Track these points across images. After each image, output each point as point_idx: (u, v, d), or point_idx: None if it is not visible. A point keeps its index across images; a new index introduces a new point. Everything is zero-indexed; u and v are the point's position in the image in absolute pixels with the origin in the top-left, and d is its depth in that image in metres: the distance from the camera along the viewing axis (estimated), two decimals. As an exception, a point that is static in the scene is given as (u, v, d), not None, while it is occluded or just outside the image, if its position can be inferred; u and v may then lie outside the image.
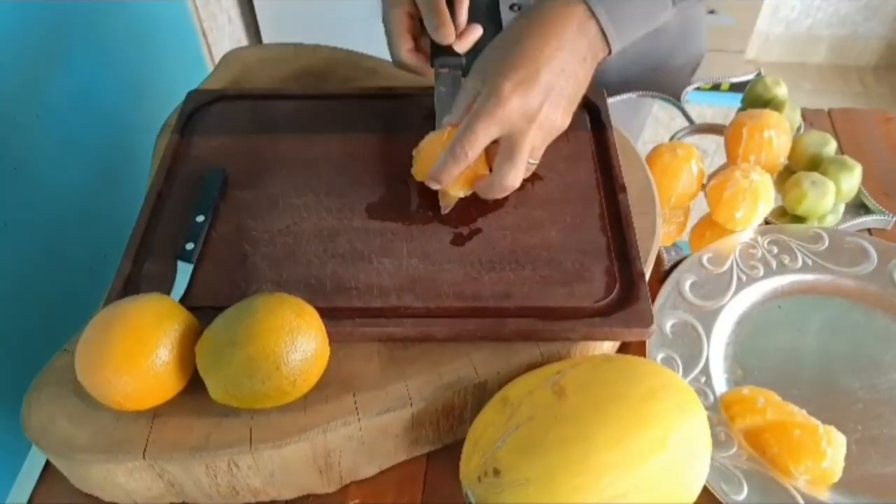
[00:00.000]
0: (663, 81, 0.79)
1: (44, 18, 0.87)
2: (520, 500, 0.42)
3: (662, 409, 0.43)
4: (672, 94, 0.78)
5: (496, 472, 0.42)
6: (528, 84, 0.50)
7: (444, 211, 0.57)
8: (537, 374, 0.47)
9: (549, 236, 0.55)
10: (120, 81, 1.06)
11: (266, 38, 1.67)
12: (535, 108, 0.51)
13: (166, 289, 0.52)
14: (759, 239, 0.65)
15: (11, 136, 0.78)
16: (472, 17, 0.68)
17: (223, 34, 1.59)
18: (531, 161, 0.55)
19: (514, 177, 0.53)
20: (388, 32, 0.62)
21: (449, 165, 0.53)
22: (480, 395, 0.49)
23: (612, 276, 0.52)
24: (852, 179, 0.66)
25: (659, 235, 0.57)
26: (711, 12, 1.61)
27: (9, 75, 0.79)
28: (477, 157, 0.53)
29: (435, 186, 0.55)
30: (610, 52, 0.55)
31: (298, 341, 0.43)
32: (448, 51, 0.61)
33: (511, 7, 0.74)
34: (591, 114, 0.64)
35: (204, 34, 1.49)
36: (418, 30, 0.62)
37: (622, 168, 0.60)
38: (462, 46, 0.62)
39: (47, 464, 0.53)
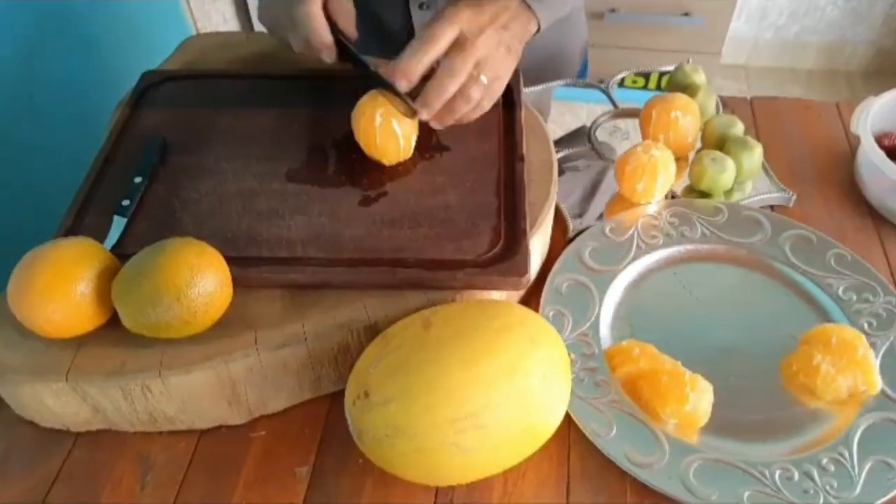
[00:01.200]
0: (558, 68, 0.85)
1: (44, 17, 0.95)
2: (384, 418, 0.47)
3: (515, 340, 0.48)
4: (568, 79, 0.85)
5: (366, 395, 0.48)
6: (475, 8, 0.59)
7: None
8: (416, 315, 0.52)
9: (448, 199, 0.60)
10: (111, 75, 1.14)
11: (260, 37, 1.74)
12: (485, 21, 0.59)
13: (101, 239, 0.58)
14: (663, 212, 0.70)
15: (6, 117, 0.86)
16: (385, 22, 0.72)
17: (218, 33, 1.67)
18: (482, 77, 0.60)
19: (462, 64, 0.58)
20: (303, 24, 0.63)
21: (409, 58, 0.58)
22: (372, 336, 0.54)
23: (497, 233, 0.58)
24: (753, 158, 0.71)
25: (552, 201, 0.62)
26: (685, 14, 1.66)
27: (6, 65, 0.87)
28: (433, 60, 0.59)
29: (403, 86, 0.59)
30: (538, 31, 0.64)
31: (197, 278, 0.49)
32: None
33: (420, 6, 0.80)
34: (505, 93, 0.69)
35: (198, 31, 1.56)
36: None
37: (527, 142, 0.65)
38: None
39: (-6, 395, 0.60)
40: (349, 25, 0.65)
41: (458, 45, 0.59)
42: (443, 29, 0.58)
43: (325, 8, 0.63)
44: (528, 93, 0.72)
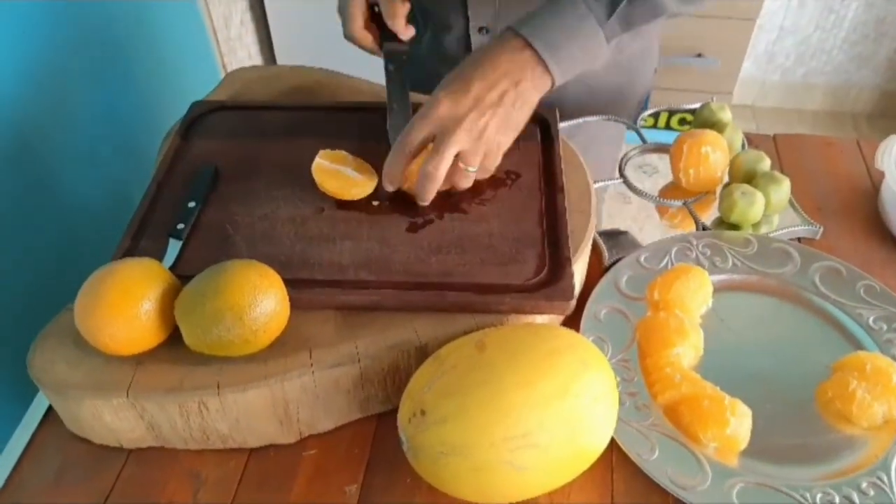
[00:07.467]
0: (616, 110, 0.88)
1: (79, 58, 0.99)
2: (440, 436, 0.48)
3: (566, 362, 0.50)
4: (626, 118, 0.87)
5: (422, 413, 0.49)
6: (459, 93, 0.60)
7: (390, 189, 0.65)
8: (467, 336, 0.54)
9: (492, 227, 0.63)
10: (146, 111, 1.18)
11: (282, 73, 1.78)
12: (463, 113, 0.60)
13: (158, 261, 0.60)
14: (695, 242, 0.72)
15: (41, 146, 0.89)
16: (446, 46, 0.77)
17: (243, 68, 1.71)
18: (468, 168, 0.63)
19: (436, 166, 0.60)
20: (343, 10, 0.75)
21: (392, 161, 0.62)
22: (422, 357, 0.56)
23: (542, 260, 0.60)
24: (780, 192, 0.73)
25: (592, 230, 0.64)
26: (699, 56, 1.70)
27: (43, 96, 0.90)
28: (412, 160, 0.62)
29: (389, 187, 0.64)
30: (553, 85, 0.64)
31: (259, 297, 0.51)
32: (395, 38, 0.73)
33: (479, 30, 0.83)
34: (542, 127, 0.72)
35: (225, 68, 1.61)
36: (369, 15, 0.75)
37: (565, 174, 0.68)
38: (407, 35, 0.73)
39: (47, 412, 0.61)
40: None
41: (435, 147, 0.61)
42: (417, 132, 0.61)
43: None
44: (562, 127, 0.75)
